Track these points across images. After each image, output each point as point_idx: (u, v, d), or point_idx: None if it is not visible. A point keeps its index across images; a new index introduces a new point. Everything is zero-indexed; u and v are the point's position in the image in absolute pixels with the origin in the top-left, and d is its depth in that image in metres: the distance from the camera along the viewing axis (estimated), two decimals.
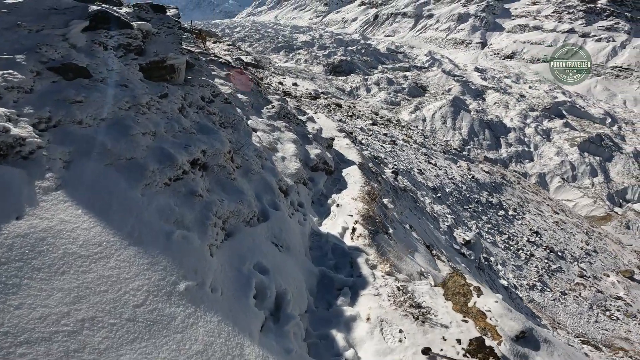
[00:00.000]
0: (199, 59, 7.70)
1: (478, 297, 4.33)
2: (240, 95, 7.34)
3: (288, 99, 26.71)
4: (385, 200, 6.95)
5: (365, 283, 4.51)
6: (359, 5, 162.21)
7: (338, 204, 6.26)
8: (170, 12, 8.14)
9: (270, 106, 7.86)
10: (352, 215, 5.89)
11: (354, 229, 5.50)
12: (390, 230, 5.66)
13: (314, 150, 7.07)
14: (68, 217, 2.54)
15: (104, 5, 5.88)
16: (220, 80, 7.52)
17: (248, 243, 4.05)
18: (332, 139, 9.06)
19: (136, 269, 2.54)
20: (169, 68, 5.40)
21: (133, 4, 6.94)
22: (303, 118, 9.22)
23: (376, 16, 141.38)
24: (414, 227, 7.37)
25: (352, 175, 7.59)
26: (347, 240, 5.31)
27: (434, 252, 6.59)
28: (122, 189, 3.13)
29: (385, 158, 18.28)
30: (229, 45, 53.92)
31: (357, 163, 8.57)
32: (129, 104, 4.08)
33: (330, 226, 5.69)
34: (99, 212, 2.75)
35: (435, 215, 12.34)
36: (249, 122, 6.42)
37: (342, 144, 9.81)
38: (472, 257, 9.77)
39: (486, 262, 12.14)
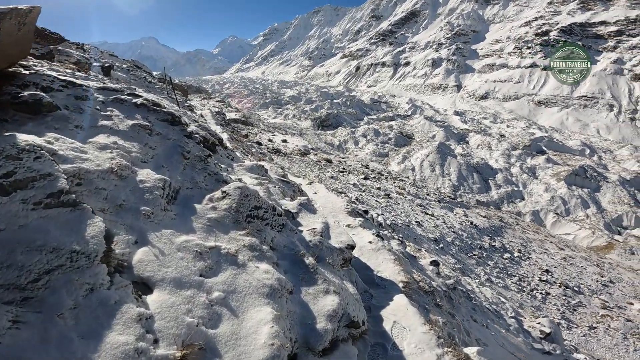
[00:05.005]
0: (87, 95, 4.24)
1: None
2: (147, 174, 3.40)
3: (275, 158, 26.32)
4: (472, 355, 3.88)
5: None
6: (341, 58, 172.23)
7: None
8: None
9: (219, 194, 3.78)
10: None
11: None
12: None
13: (322, 302, 3.31)
14: None
15: None
16: (110, 139, 3.65)
17: None
18: (351, 248, 4.75)
19: None
20: None
21: None
22: (291, 206, 5.33)
23: (358, 67, 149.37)
24: None
25: (405, 326, 3.85)
26: None
27: None
28: None
29: (382, 213, 17.76)
30: (218, 101, 55.13)
31: (401, 286, 4.83)
32: None
33: None
34: None
35: (495, 307, 10.42)
36: (139, 253, 2.69)
37: (362, 243, 5.95)
38: (557, 352, 7.93)
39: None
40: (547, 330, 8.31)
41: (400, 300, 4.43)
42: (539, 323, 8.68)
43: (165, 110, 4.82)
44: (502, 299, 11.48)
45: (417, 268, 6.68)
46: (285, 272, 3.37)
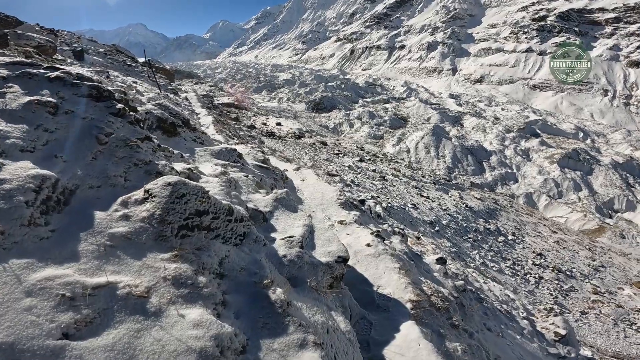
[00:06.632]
0: None
1: None
2: (18, 169, 2.13)
3: (269, 141, 24.87)
4: None
5: None
6: (336, 41, 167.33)
7: None
8: None
9: (139, 195, 2.47)
10: None
11: None
12: None
13: None
14: None
15: None
16: None
17: None
18: (344, 261, 3.53)
19: None
20: None
21: None
22: (264, 202, 4.18)
23: (352, 51, 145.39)
24: None
25: None
26: None
27: None
28: None
29: (378, 196, 16.98)
30: (210, 86, 52.83)
31: (409, 307, 3.76)
32: None
33: None
34: None
35: (506, 307, 9.62)
36: None
37: (358, 247, 4.66)
38: (572, 355, 7.47)
39: None
40: (562, 332, 7.49)
41: (409, 331, 3.24)
42: (552, 323, 7.83)
43: (90, 83, 3.50)
44: (511, 296, 10.69)
45: (423, 270, 5.52)
46: (236, 317, 2.15)
